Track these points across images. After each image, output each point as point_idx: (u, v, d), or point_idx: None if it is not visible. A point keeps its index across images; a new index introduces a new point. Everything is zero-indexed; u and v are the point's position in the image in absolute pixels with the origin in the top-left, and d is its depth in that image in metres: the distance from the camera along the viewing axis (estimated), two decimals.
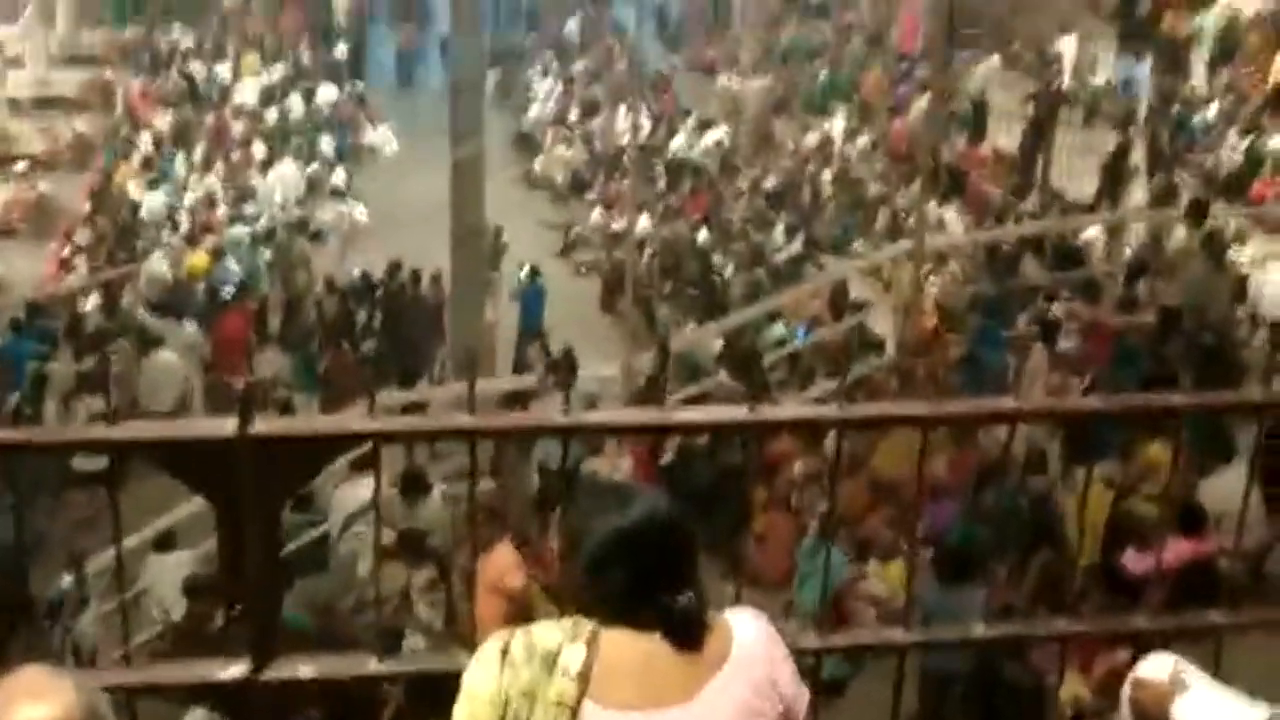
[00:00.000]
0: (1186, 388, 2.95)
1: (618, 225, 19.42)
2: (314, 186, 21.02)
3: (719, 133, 22.91)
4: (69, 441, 2.91)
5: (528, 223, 20.63)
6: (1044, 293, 15.16)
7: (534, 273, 16.94)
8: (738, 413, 2.66)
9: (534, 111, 25.05)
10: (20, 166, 22.40)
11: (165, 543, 10.24)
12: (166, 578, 9.75)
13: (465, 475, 2.78)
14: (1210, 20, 21.82)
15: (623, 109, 23.55)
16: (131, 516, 11.29)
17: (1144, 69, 20.80)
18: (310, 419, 2.64)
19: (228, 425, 2.57)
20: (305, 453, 2.58)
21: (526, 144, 24.24)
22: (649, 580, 2.38)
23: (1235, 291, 11.84)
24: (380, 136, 24.39)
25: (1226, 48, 21.17)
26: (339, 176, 21.16)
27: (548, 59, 27.36)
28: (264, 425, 2.55)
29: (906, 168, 20.63)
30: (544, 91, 25.98)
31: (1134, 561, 7.24)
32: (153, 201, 19.98)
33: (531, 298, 16.68)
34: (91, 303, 16.80)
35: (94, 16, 29.51)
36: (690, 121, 23.48)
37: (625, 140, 22.25)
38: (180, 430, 2.67)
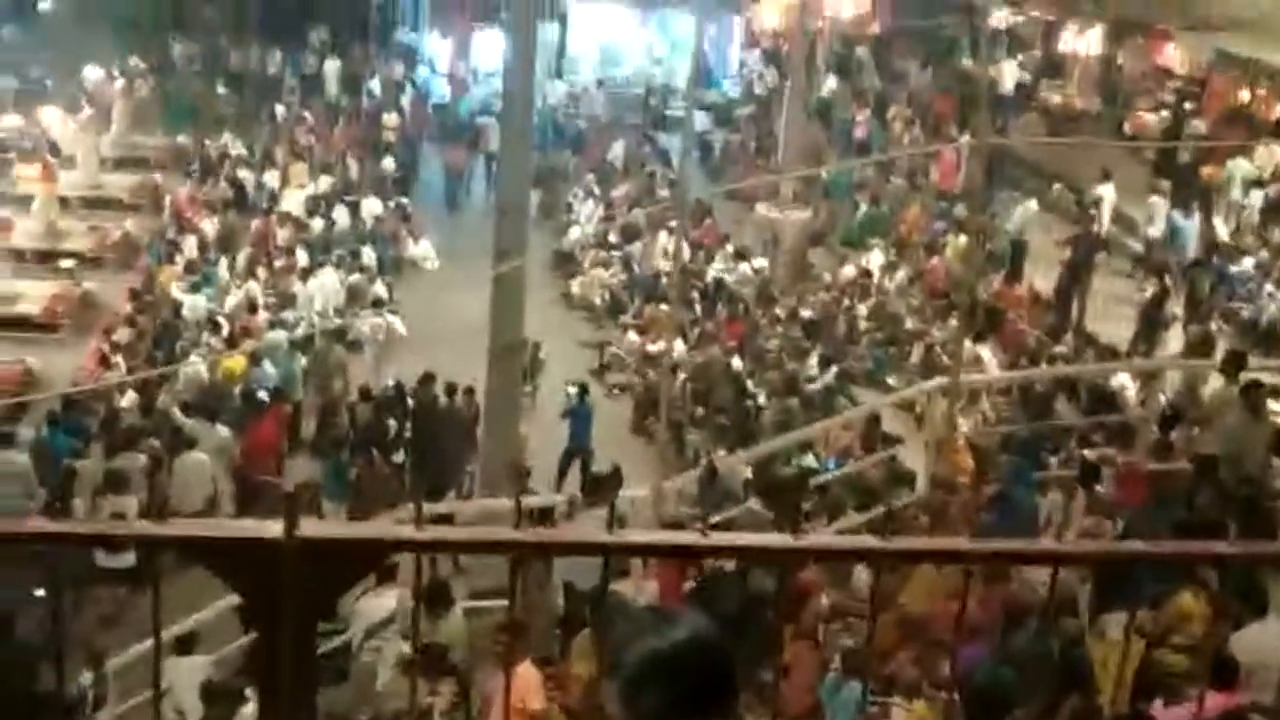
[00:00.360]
0: (1230, 536, 2.94)
1: (652, 348, 19.54)
2: (354, 296, 21.22)
3: (757, 261, 23.11)
4: (116, 535, 2.93)
5: (564, 342, 20.79)
6: (1077, 435, 15.14)
7: (583, 391, 17.10)
8: (781, 539, 2.66)
9: (575, 233, 25.31)
10: (67, 263, 22.77)
11: (185, 646, 10.23)
12: (184, 681, 9.74)
13: (489, 592, 2.77)
14: (1241, 168, 22.09)
15: (662, 234, 23.82)
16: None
17: (1193, 222, 20.99)
18: (355, 525, 2.63)
19: (274, 527, 2.58)
20: (350, 559, 2.60)
21: (566, 264, 24.46)
22: (686, 705, 2.36)
23: (1272, 443, 11.77)
24: (422, 251, 24.67)
25: (1272, 201, 21.40)
26: (379, 288, 21.40)
27: (590, 182, 27.70)
28: (310, 529, 2.57)
29: (942, 304, 20.76)
30: (585, 214, 26.29)
31: (1163, 713, 7.12)
32: (194, 303, 20.21)
33: (580, 416, 16.82)
34: (128, 400, 16.94)
35: (149, 121, 30.18)
36: (728, 249, 23.70)
37: (663, 265, 22.56)
38: (226, 529, 2.68)
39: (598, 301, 22.89)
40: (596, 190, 27.27)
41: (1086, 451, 13.51)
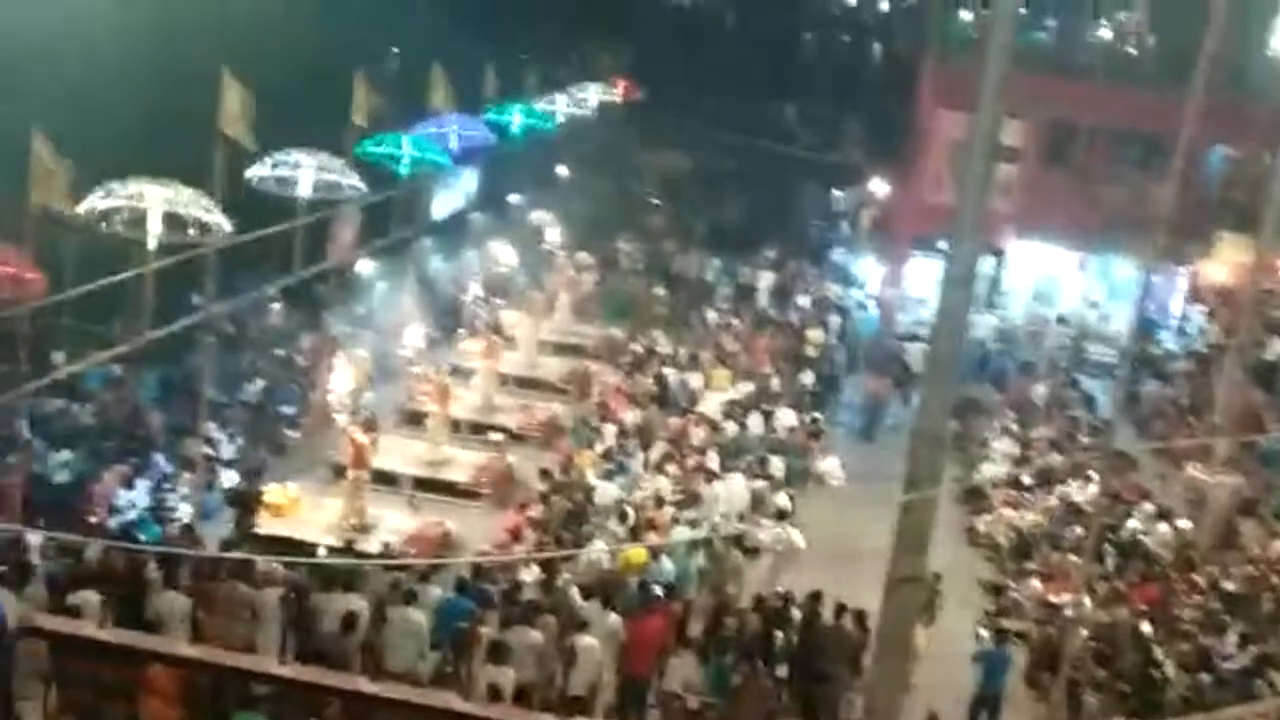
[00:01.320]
0: None
1: (1056, 599, 18.72)
2: (758, 504, 21.41)
3: (1179, 523, 21.89)
4: None
5: (962, 579, 20.19)
6: None
7: (1000, 636, 16.55)
8: None
9: (988, 469, 24.77)
10: (496, 436, 24.13)
11: None
12: None
13: None
14: None
15: (1079, 482, 22.97)
16: None
17: None
18: None
19: None
20: None
21: (973, 499, 23.90)
22: None
23: None
24: (829, 467, 24.68)
25: None
26: (783, 499, 21.48)
27: (1009, 419, 27.15)
28: None
29: None
30: (1001, 451, 25.71)
31: None
32: (606, 490, 20.88)
33: (996, 662, 16.29)
34: (531, 575, 17.54)
35: (589, 313, 31.96)
36: (1148, 506, 22.57)
37: (1076, 514, 21.70)
38: None
39: (1003, 542, 22.17)
40: (1015, 428, 26.69)
41: None
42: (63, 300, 18.99)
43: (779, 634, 16.64)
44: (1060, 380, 30.32)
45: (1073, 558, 19.46)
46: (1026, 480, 24.08)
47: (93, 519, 19.53)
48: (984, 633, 16.58)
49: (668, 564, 18.04)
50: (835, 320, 32.69)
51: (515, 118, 35.59)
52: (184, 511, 20.15)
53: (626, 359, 28.82)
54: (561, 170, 40.85)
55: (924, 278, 32.93)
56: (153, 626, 13.99)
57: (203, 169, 19.17)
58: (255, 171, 21.50)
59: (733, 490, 21.48)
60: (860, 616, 16.15)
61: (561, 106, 39.86)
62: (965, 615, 18.04)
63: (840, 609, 16.48)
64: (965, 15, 36.98)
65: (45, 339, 22.43)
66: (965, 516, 23.36)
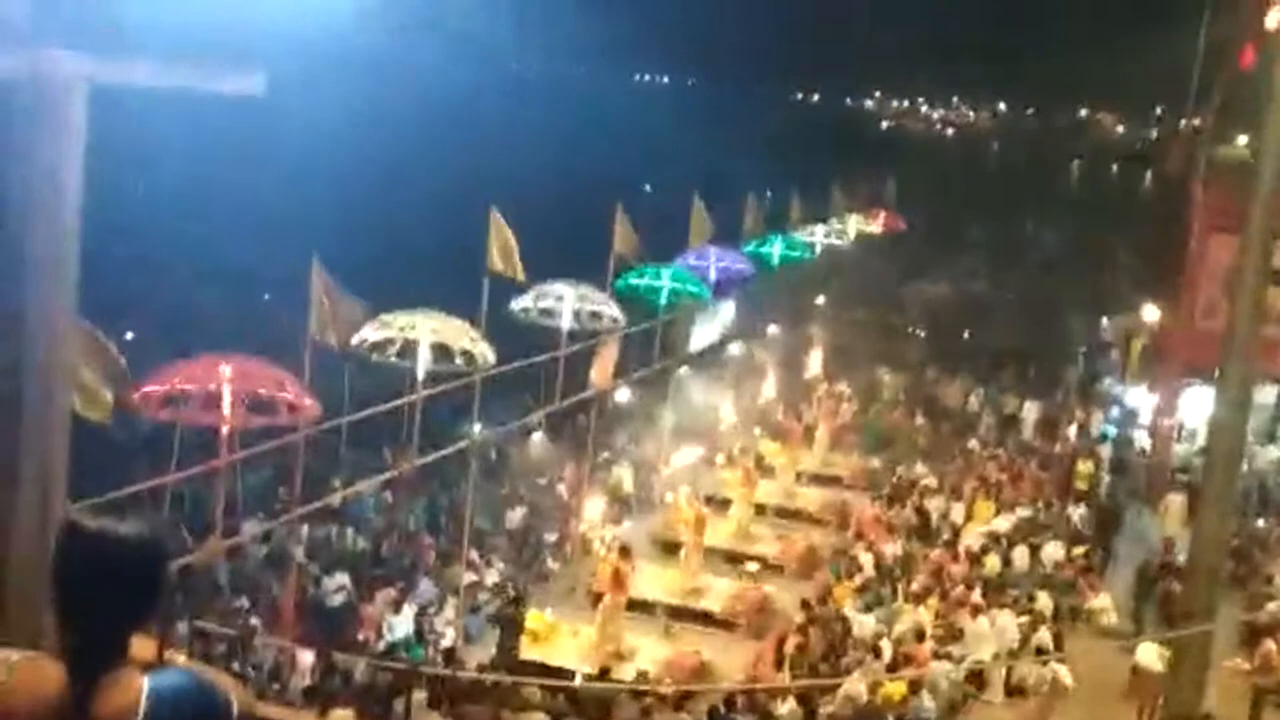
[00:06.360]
0: None
1: None
2: (1025, 641, 20.60)
3: None
4: None
5: None
6: None
7: None
8: None
9: (1271, 606, 23.29)
10: (752, 566, 24.00)
11: None
12: None
13: None
14: None
15: None
16: None
17: None
18: None
19: None
20: None
21: (1256, 640, 22.46)
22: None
23: None
24: (1101, 603, 23.60)
25: None
26: (1045, 635, 20.60)
27: None
28: None
29: None
30: None
31: None
32: (863, 622, 20.45)
33: None
34: (787, 708, 17.24)
35: (847, 444, 31.67)
36: None
37: None
38: None
39: None
40: None
41: None
42: (337, 427, 19.81)
43: None
44: None
45: None
46: None
47: (362, 640, 20.15)
48: None
49: (928, 700, 17.49)
50: (1105, 451, 31.50)
51: (775, 249, 35.80)
52: (448, 636, 20.60)
53: (885, 490, 28.35)
54: (820, 301, 40.87)
55: (1200, 408, 31.49)
56: None
57: (469, 301, 19.84)
58: (520, 303, 22.10)
59: (1000, 625, 20.69)
60: None
61: (820, 237, 39.94)
62: None
63: None
64: (1241, 139, 35.75)
65: (321, 466, 23.44)
66: (1247, 656, 21.95)
